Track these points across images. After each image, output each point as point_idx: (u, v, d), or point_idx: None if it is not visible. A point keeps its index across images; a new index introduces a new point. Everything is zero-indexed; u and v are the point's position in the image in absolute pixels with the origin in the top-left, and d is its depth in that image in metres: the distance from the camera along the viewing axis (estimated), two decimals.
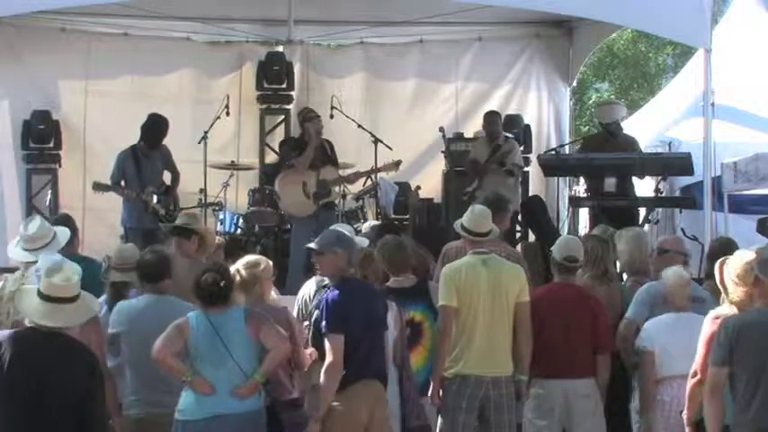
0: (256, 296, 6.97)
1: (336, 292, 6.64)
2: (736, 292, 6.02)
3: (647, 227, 11.10)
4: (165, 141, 11.44)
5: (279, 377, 6.80)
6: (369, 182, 11.91)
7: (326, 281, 7.48)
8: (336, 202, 11.46)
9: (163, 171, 11.47)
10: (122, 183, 11.24)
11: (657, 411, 7.31)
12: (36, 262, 6.66)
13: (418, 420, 7.24)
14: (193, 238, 8.40)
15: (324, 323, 6.58)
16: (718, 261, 6.19)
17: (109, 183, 11.22)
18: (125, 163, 11.22)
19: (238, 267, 7.00)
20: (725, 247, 7.98)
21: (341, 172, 11.50)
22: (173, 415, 6.53)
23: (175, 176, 11.50)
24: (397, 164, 11.58)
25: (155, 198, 11.16)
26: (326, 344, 6.53)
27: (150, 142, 11.29)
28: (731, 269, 6.03)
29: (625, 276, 8.74)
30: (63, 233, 7.22)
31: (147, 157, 11.28)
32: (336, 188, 11.27)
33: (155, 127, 11.33)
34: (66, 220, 8.55)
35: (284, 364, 6.82)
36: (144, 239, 10.64)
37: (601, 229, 9.24)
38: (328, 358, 6.51)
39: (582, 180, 11.73)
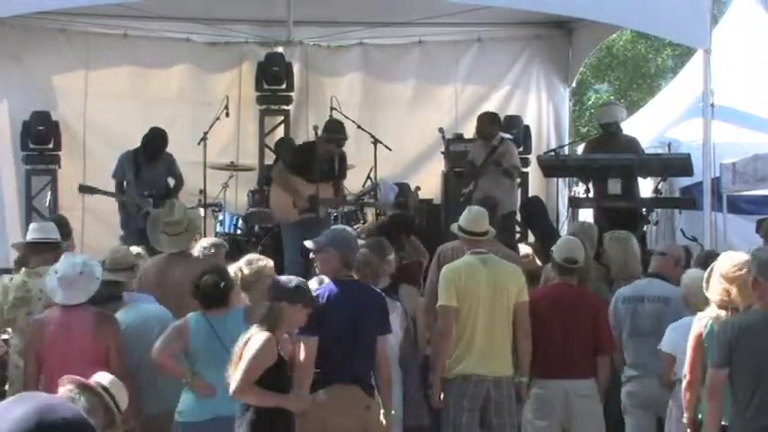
0: (260, 294, 6.82)
1: (317, 293, 6.46)
2: (716, 290, 6.02)
3: (646, 227, 11.10)
4: None
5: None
6: (368, 182, 11.89)
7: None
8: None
9: (165, 177, 11.49)
10: (124, 183, 11.32)
11: (674, 411, 7.26)
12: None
13: (416, 421, 7.21)
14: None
15: None
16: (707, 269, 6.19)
17: (107, 182, 11.26)
18: (126, 165, 11.28)
19: (240, 266, 6.94)
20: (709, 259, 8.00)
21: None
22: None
23: (178, 183, 11.52)
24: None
25: (151, 201, 11.14)
26: (300, 345, 6.39)
27: (148, 155, 11.33)
28: (718, 268, 6.04)
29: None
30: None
31: (147, 163, 11.31)
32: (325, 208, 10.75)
33: (154, 141, 11.34)
34: (61, 221, 8.63)
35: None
36: (140, 239, 10.65)
37: (576, 226, 9.20)
38: (298, 359, 6.34)
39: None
